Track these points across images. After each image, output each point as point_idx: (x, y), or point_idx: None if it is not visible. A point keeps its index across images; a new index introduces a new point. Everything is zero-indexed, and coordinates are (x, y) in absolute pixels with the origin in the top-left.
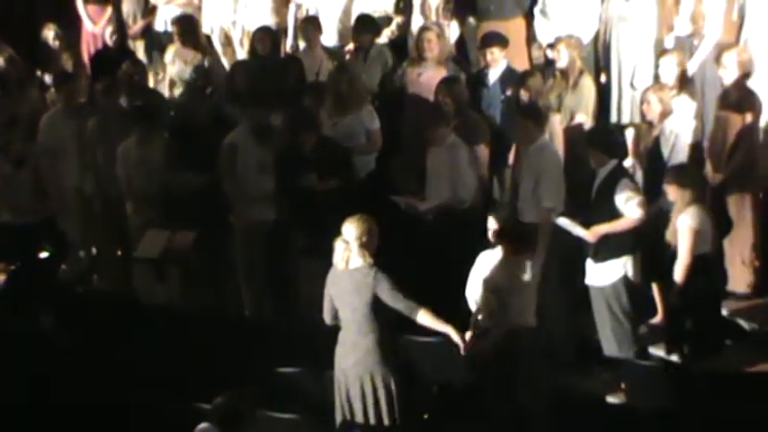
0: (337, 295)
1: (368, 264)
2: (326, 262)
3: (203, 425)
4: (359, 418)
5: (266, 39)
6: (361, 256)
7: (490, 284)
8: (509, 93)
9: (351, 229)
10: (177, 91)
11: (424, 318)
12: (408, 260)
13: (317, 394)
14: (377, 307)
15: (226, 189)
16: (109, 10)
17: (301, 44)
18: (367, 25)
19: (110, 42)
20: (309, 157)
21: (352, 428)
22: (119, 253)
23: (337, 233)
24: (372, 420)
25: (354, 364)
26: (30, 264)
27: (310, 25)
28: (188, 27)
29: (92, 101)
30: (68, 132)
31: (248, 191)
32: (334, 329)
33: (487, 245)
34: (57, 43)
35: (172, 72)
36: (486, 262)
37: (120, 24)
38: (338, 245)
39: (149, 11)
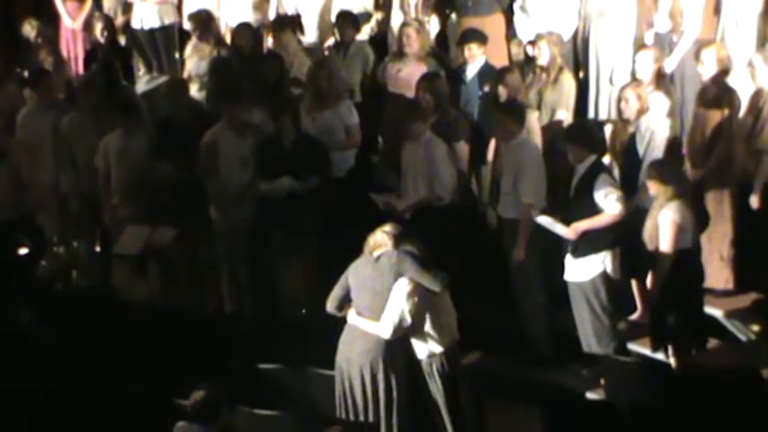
0: (359, 282)
1: (392, 247)
2: (306, 259)
3: (181, 423)
4: (359, 409)
5: (246, 34)
6: (391, 244)
7: None
8: (487, 89)
9: (389, 225)
10: (194, 87)
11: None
12: None
13: (298, 390)
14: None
15: (207, 186)
16: (87, 6)
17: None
18: (348, 21)
19: (100, 38)
20: (288, 152)
21: (334, 423)
22: (98, 249)
23: (317, 229)
24: (371, 414)
25: (361, 353)
26: (8, 260)
27: (282, 23)
28: (203, 22)
29: (71, 97)
30: (45, 128)
31: (230, 187)
32: (317, 326)
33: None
34: (39, 40)
35: (189, 67)
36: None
37: (108, 20)
38: (373, 237)
39: (128, 7)
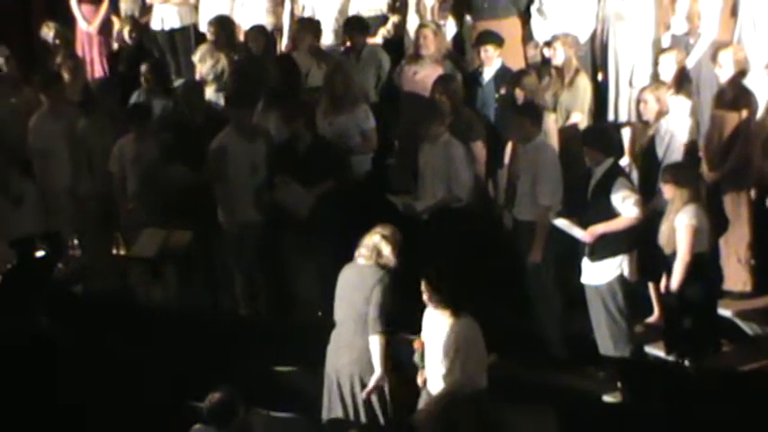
0: (341, 290)
1: (380, 263)
2: (322, 261)
3: (197, 426)
4: (350, 416)
5: (260, 38)
6: (376, 254)
7: (438, 348)
8: (503, 91)
9: (385, 229)
10: (209, 89)
11: (374, 348)
12: (406, 259)
13: (313, 393)
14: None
15: (217, 192)
16: (103, 9)
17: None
18: (357, 26)
19: (128, 40)
20: (303, 156)
21: (347, 427)
22: (114, 252)
23: (333, 232)
24: (363, 420)
25: (349, 363)
26: (25, 263)
27: (301, 27)
28: (222, 29)
29: (88, 100)
30: (58, 133)
31: (240, 192)
32: (332, 328)
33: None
34: (57, 42)
35: (203, 71)
36: (433, 320)
37: (135, 22)
38: (371, 239)
39: (146, 9)
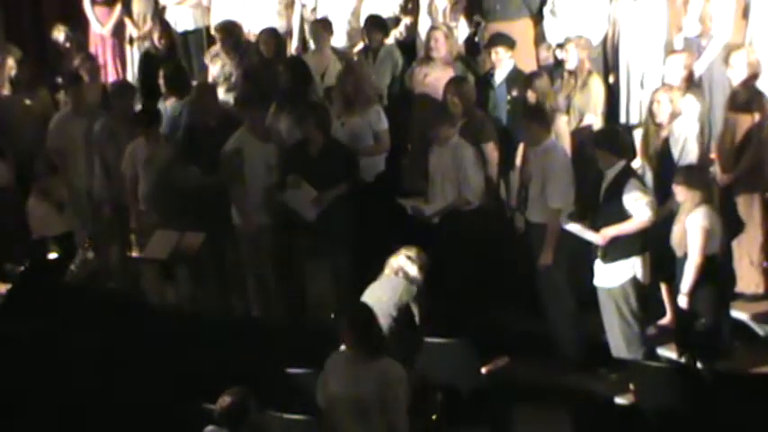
0: (368, 294)
1: (411, 274)
2: (334, 263)
3: (210, 428)
4: None
5: (270, 41)
6: (402, 274)
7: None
8: (515, 93)
9: (410, 251)
10: (221, 90)
11: None
12: None
13: None
14: (402, 313)
15: (232, 195)
16: (116, 12)
17: (311, 45)
18: (377, 26)
19: (158, 45)
20: (315, 157)
21: None
22: (127, 253)
23: (345, 234)
24: None
25: None
26: (38, 264)
27: (319, 26)
28: (229, 33)
29: (105, 103)
30: (78, 134)
31: (257, 193)
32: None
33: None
34: (68, 44)
35: (213, 73)
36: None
37: (166, 25)
38: (396, 260)
39: (159, 12)
